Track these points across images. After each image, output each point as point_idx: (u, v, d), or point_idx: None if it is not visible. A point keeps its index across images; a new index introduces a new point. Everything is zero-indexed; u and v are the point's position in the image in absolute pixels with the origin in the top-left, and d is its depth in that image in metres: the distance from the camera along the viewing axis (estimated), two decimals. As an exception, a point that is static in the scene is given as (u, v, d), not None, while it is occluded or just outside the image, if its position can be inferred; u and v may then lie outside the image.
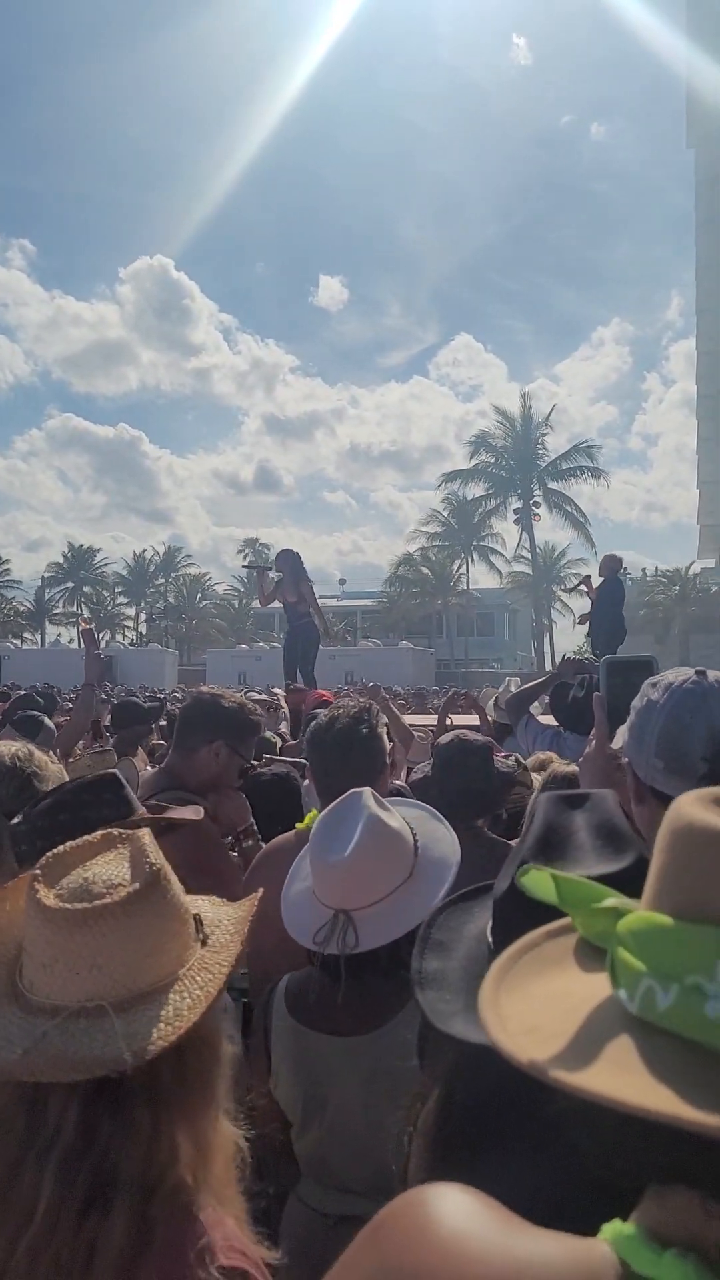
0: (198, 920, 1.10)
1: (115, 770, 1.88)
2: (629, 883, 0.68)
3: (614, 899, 0.62)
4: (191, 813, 2.09)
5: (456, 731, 3.56)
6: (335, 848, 1.70)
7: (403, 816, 1.82)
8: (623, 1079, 0.53)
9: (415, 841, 1.78)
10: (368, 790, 1.83)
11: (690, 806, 0.60)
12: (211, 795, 2.60)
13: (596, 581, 12.02)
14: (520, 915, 0.87)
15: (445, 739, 3.45)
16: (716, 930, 0.54)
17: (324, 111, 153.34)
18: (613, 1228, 0.60)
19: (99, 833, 1.13)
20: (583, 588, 12.61)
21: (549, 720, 4.31)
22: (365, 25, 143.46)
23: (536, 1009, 0.61)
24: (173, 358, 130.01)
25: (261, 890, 1.21)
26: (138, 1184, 0.95)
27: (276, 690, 9.53)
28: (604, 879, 0.85)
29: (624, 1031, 0.56)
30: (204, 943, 1.08)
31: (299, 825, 2.47)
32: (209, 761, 2.61)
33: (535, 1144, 0.76)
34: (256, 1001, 1.94)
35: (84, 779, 1.82)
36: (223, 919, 1.14)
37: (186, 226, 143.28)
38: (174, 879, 1.07)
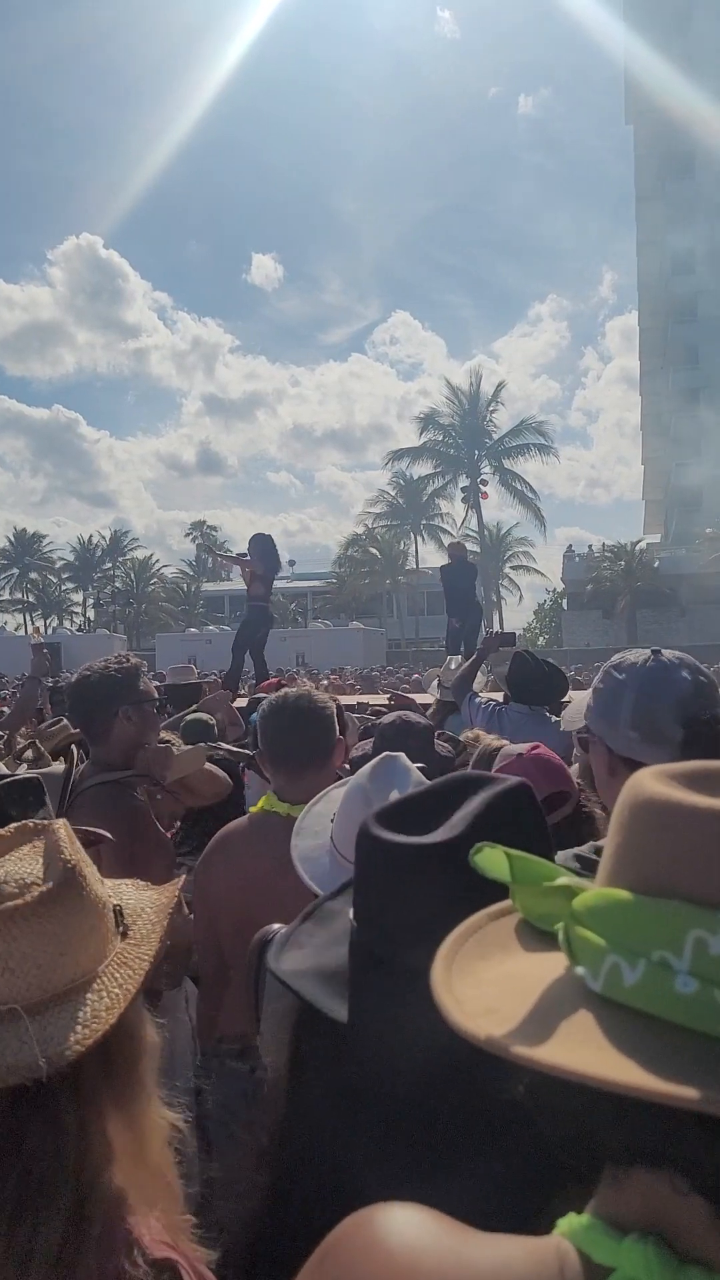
0: (118, 912, 1.07)
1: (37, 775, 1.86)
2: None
3: (565, 877, 0.61)
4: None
5: (399, 713, 3.58)
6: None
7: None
8: (589, 1054, 0.51)
9: None
10: (401, 755, 1.83)
11: (650, 782, 0.59)
12: (141, 754, 2.76)
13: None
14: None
15: (388, 718, 3.47)
16: (683, 906, 0.53)
17: (257, 84, 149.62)
18: (567, 1221, 0.59)
19: (13, 826, 1.10)
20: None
21: (492, 696, 4.47)
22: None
23: (490, 993, 0.59)
24: (109, 338, 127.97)
25: (184, 877, 1.18)
26: (71, 1184, 0.94)
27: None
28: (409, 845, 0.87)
29: (584, 1008, 0.54)
30: (124, 935, 1.06)
31: (252, 809, 2.51)
32: (125, 729, 2.73)
33: (482, 1141, 0.75)
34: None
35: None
36: (145, 907, 1.11)
37: (116, 203, 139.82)
38: (90, 872, 1.04)
